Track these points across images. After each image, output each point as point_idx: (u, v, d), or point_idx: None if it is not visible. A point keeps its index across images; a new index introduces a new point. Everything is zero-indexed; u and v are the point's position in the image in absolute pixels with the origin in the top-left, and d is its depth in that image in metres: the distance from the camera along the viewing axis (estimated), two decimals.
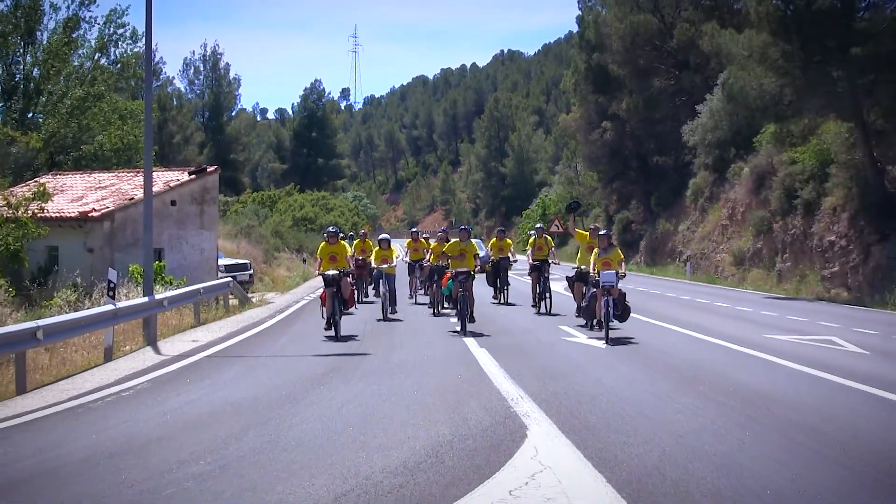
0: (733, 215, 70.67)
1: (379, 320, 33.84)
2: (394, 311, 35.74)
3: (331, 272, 29.64)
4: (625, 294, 28.58)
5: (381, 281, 35.98)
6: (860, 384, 19.79)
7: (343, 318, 30.48)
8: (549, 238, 39.64)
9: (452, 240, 35.11)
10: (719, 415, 16.32)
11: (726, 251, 70.12)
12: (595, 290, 28.70)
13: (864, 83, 49.43)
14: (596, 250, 28.67)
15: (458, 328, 29.76)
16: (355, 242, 45.48)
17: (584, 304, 30.69)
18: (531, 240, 39.55)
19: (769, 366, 22.32)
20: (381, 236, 38.78)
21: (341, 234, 34.76)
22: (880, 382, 19.82)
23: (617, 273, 27.57)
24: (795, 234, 60.54)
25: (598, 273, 27.80)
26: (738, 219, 68.99)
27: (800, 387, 19.73)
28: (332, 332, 28.75)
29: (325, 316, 29.90)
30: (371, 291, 44.56)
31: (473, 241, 38.34)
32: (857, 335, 29.96)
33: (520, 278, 52.21)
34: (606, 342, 26.32)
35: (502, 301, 40.79)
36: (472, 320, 30.32)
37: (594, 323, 29.51)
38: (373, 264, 38.23)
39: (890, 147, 51.69)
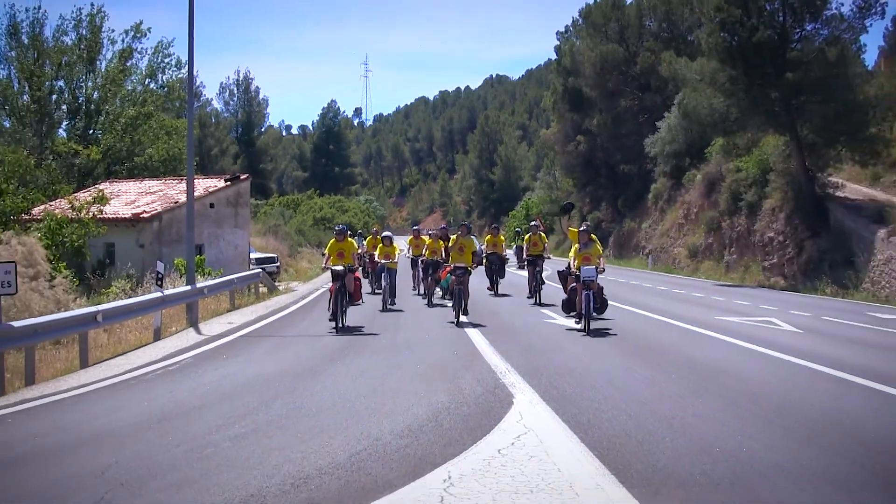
0: (688, 215, 70.87)
1: (380, 311, 31.57)
2: (393, 303, 33.48)
3: (338, 267, 27.31)
4: (602, 288, 26.32)
5: (382, 275, 33.66)
6: (795, 358, 19.81)
7: (351, 308, 28.33)
8: (543, 235, 37.81)
9: (452, 236, 33.40)
10: (676, 384, 16.38)
11: (682, 245, 70.27)
12: (575, 284, 25.97)
13: (797, 103, 50.04)
14: (576, 246, 26.19)
15: (453, 318, 27.62)
16: (367, 239, 43.18)
17: (564, 298, 27.78)
18: (527, 237, 38.33)
19: (718, 343, 22.35)
20: (383, 234, 36.72)
21: (352, 232, 33.59)
22: (811, 356, 19.85)
23: (596, 268, 25.18)
24: (740, 231, 60.95)
25: (580, 268, 25.32)
26: (692, 218, 69.14)
27: (744, 360, 19.76)
28: (335, 325, 26.36)
29: (331, 309, 27.59)
30: (372, 285, 41.42)
31: (472, 237, 35.80)
32: (793, 317, 29.99)
33: (513, 272, 51.88)
34: (587, 333, 24.00)
35: (496, 292, 38.36)
36: (466, 312, 28.78)
37: (575, 315, 26.36)
38: (376, 258, 36.08)
39: (819, 157, 52.06)
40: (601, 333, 24.26)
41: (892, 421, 13.43)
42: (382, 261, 34.05)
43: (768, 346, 21.83)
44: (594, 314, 25.40)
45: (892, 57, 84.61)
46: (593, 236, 27.05)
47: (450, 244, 31.78)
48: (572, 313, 26.76)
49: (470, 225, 36.08)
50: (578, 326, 25.31)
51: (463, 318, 27.44)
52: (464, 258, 29.65)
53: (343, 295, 27.40)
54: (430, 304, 34.48)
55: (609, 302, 29.27)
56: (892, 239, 43.34)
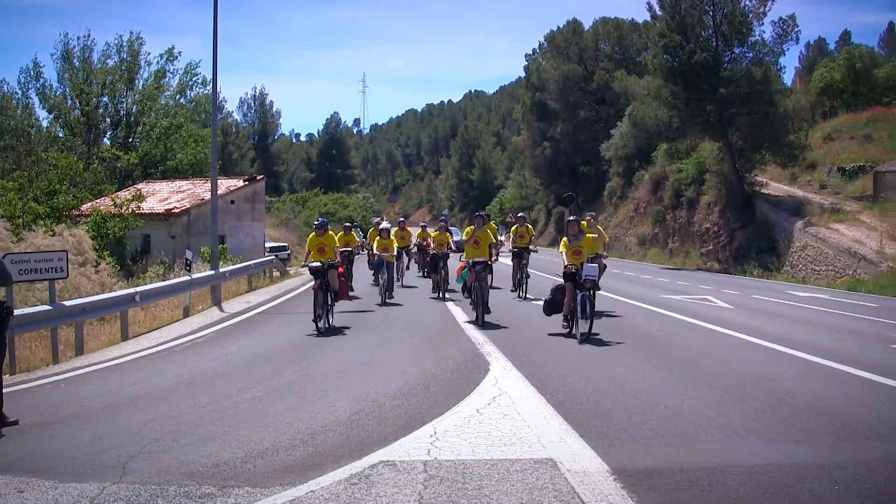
0: (637, 209, 71.04)
1: (378, 304, 26.87)
2: (391, 297, 28.14)
3: (315, 264, 21.71)
4: (596, 287, 18.99)
5: (381, 268, 28.74)
6: (728, 329, 19.88)
7: (349, 301, 25.09)
8: (530, 227, 31.56)
9: (467, 228, 27.81)
10: (628, 353, 16.41)
11: (633, 235, 70.47)
12: (564, 282, 19.12)
13: (728, 115, 50.67)
14: (564, 239, 19.24)
15: (474, 318, 21.89)
16: (370, 231, 35.43)
17: (547, 297, 20.30)
18: (514, 228, 31.11)
19: (663, 317, 22.36)
20: (381, 225, 30.80)
21: (354, 224, 31.23)
22: (741, 328, 19.94)
23: (598, 266, 19.02)
24: (681, 223, 61.25)
25: (581, 264, 18.38)
26: (640, 211, 69.32)
27: (685, 332, 19.80)
28: (322, 325, 20.69)
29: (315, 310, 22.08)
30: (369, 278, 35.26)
31: (451, 229, 34.57)
32: (726, 295, 30.05)
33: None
34: (583, 341, 17.71)
35: (521, 296, 29.22)
36: (488, 311, 22.00)
37: (563, 320, 19.48)
38: (374, 250, 29.55)
39: (747, 160, 52.61)
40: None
41: (808, 382, 13.46)
42: (381, 254, 28.71)
43: (705, 320, 21.91)
44: (586, 311, 17.82)
45: (806, 77, 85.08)
46: (584, 224, 20.67)
47: (464, 237, 26.29)
48: (556, 315, 19.65)
49: (487, 215, 28.00)
50: (566, 331, 19.09)
51: (487, 318, 21.78)
52: (481, 251, 23.15)
53: (325, 293, 21.87)
54: (442, 297, 28.70)
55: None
56: (808, 229, 43.61)
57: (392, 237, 29.83)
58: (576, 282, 18.27)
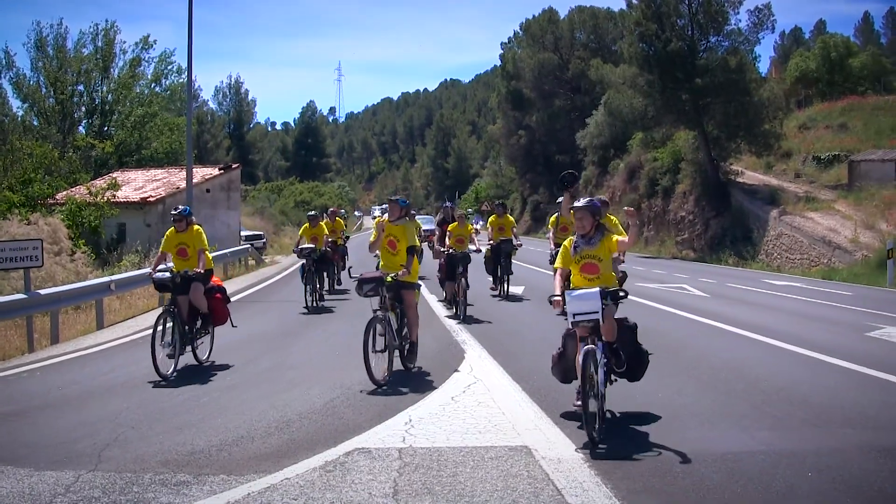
0: (613, 197, 70.90)
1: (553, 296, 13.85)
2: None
3: (162, 275, 14.93)
4: (633, 327, 10.73)
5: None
6: (702, 318, 20.01)
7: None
8: (509, 217, 25.72)
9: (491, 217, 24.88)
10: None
11: None
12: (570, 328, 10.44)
13: (703, 103, 50.94)
14: (568, 244, 10.50)
15: (453, 312, 20.68)
16: (324, 222, 27.32)
17: (554, 355, 10.97)
18: (491, 218, 25.39)
19: (638, 306, 22.31)
20: (382, 215, 19.69)
21: (332, 211, 29.34)
22: (716, 316, 20.05)
23: (603, 289, 9.88)
24: (657, 211, 61.47)
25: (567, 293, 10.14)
26: (616, 200, 69.22)
27: (660, 320, 19.82)
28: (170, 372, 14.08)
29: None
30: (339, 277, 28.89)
31: (418, 218, 29.51)
32: (701, 283, 30.18)
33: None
34: (594, 445, 9.18)
35: (502, 294, 24.68)
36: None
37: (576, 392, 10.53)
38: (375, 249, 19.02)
39: (722, 149, 52.88)
40: (539, 299, 21.24)
41: (783, 370, 13.54)
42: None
43: (681, 308, 22.05)
44: (610, 380, 10.33)
45: (781, 66, 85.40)
46: (610, 218, 15.10)
47: (489, 226, 24.51)
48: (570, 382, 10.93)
49: (503, 204, 26.55)
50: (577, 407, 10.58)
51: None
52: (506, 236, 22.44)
53: (180, 320, 15.27)
54: (462, 318, 20.10)
55: (543, 271, 24.95)
56: (783, 218, 43.83)
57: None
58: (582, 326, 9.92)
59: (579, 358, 9.69)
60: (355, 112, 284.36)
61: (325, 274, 25.70)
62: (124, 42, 74.50)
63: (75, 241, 33.17)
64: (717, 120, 51.62)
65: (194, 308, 14.81)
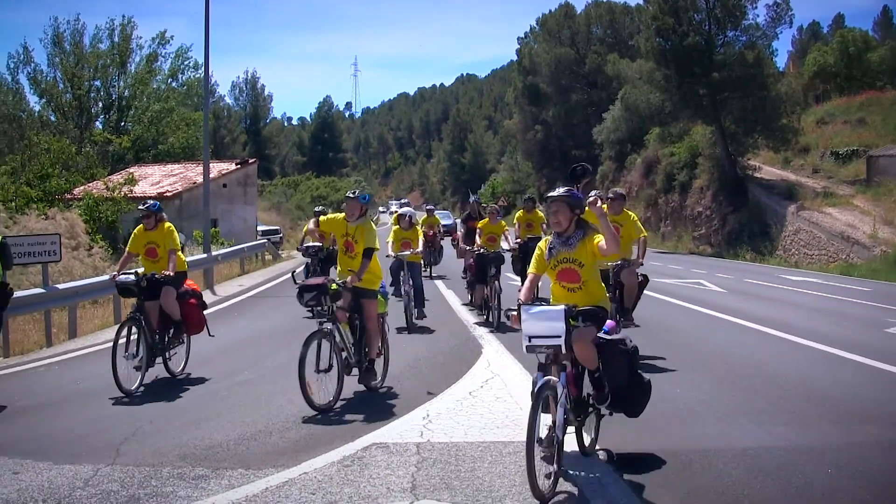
0: (630, 193, 70.70)
1: (401, 330, 17.70)
2: (422, 316, 18.76)
3: (125, 278, 13.48)
4: (629, 351, 8.43)
5: (401, 275, 18.97)
6: (720, 313, 19.94)
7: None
8: (539, 212, 21.65)
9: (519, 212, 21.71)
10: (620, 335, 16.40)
11: None
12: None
13: (721, 98, 50.81)
14: (543, 245, 8.67)
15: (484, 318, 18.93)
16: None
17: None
18: (518, 214, 22.21)
19: (655, 301, 22.29)
20: (401, 210, 21.23)
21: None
22: (734, 312, 19.94)
23: (569, 308, 7.91)
24: (674, 207, 61.31)
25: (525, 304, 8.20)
26: (633, 195, 69.04)
27: (677, 316, 19.85)
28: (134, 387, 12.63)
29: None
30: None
31: (437, 213, 29.95)
32: (718, 279, 30.09)
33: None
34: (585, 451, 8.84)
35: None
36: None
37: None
38: (389, 250, 18.90)
39: (739, 144, 52.68)
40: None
41: (801, 365, 13.50)
42: (401, 252, 18.91)
43: (698, 304, 21.95)
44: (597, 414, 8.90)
45: (799, 60, 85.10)
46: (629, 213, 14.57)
47: (516, 222, 21.51)
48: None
49: (534, 198, 23.16)
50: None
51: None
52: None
53: (147, 328, 14.12)
54: (494, 325, 17.99)
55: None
56: (800, 213, 43.69)
57: (416, 227, 20.60)
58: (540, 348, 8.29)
59: (556, 407, 7.69)
60: (371, 107, 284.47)
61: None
62: (141, 37, 74.65)
63: (92, 235, 33.34)
64: (734, 115, 51.46)
65: (166, 315, 13.36)
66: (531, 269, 8.70)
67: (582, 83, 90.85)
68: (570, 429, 8.12)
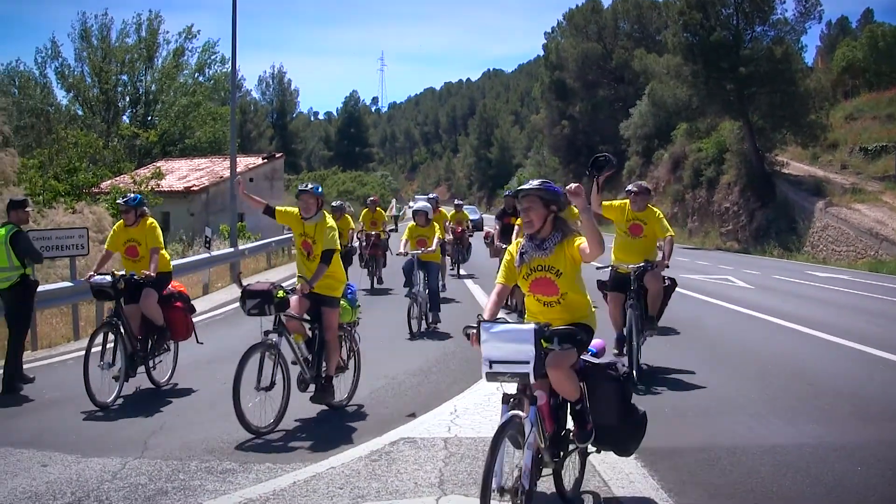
0: (657, 188, 70.54)
1: (410, 339, 16.25)
2: (436, 321, 17.46)
3: (100, 279, 12.44)
4: (621, 378, 7.29)
5: (413, 275, 17.24)
6: (747, 310, 19.86)
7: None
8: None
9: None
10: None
11: None
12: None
13: (748, 94, 50.61)
14: (513, 250, 7.41)
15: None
16: (363, 212, 26.35)
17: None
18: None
19: (683, 297, 22.13)
20: (416, 205, 19.25)
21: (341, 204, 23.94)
22: (762, 308, 19.89)
23: (541, 327, 6.52)
24: (701, 202, 61.14)
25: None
26: (660, 191, 68.92)
27: (704, 312, 19.79)
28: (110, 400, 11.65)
29: None
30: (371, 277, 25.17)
31: (466, 208, 28.01)
32: (745, 275, 29.99)
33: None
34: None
35: None
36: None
37: None
38: (402, 248, 17.66)
39: (767, 139, 52.50)
40: None
41: (830, 363, 13.46)
42: (416, 250, 17.52)
43: (726, 300, 21.88)
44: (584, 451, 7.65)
45: (827, 55, 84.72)
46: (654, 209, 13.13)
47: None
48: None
49: (434, 197, 23.25)
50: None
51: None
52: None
53: (125, 333, 14.86)
54: None
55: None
56: (828, 209, 43.49)
57: (433, 224, 18.64)
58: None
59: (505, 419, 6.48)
60: (398, 102, 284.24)
61: (348, 273, 20.61)
62: (167, 32, 75.64)
63: None
64: (762, 110, 51.24)
65: (149, 320, 12.30)
66: (498, 279, 7.47)
67: (609, 78, 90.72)
68: (548, 469, 7.00)
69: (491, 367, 6.45)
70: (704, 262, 36.85)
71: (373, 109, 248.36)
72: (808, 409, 10.42)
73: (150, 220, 12.68)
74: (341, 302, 11.00)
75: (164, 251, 12.82)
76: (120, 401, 11.37)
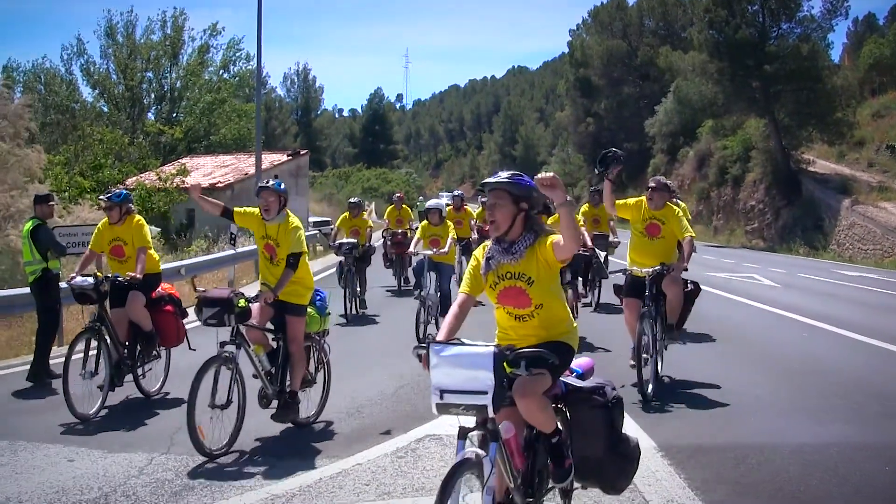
0: (682, 186, 70.44)
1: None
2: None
3: (81, 280, 11.52)
4: (608, 404, 6.24)
5: (424, 277, 16.08)
6: (773, 308, 19.79)
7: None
8: (578, 217, 15.98)
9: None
10: None
11: None
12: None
13: (774, 91, 50.67)
14: (479, 255, 6.27)
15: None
16: (388, 209, 25.99)
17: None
18: (584, 208, 19.94)
19: (708, 295, 22.02)
20: (428, 203, 18.01)
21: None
22: (788, 307, 19.79)
23: (501, 350, 5.39)
24: (726, 200, 61.09)
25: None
26: (685, 189, 68.78)
27: (730, 311, 19.74)
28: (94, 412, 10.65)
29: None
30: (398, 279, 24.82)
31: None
32: (771, 273, 29.90)
33: None
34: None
35: (594, 303, 19.90)
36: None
37: None
38: (413, 248, 16.82)
39: (793, 137, 52.49)
40: (607, 287, 17.90)
41: (857, 362, 13.36)
42: (424, 251, 16.29)
43: (752, 298, 21.82)
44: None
45: (854, 53, 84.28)
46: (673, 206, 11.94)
47: (581, 217, 17.81)
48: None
49: (601, 191, 16.12)
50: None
51: None
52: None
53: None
54: None
55: (616, 260, 20.76)
56: (855, 207, 43.36)
57: (447, 222, 17.29)
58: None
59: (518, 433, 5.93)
60: (422, 99, 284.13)
61: (366, 275, 20.81)
62: (192, 29, 75.48)
63: None
64: (788, 108, 51.24)
65: (136, 325, 11.46)
66: (462, 288, 6.33)
67: (634, 75, 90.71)
68: None
69: (442, 397, 5.35)
70: (730, 260, 36.76)
71: (397, 106, 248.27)
72: (836, 408, 10.39)
73: (137, 217, 11.77)
74: (308, 310, 10.08)
75: (152, 251, 11.94)
76: (104, 412, 10.63)
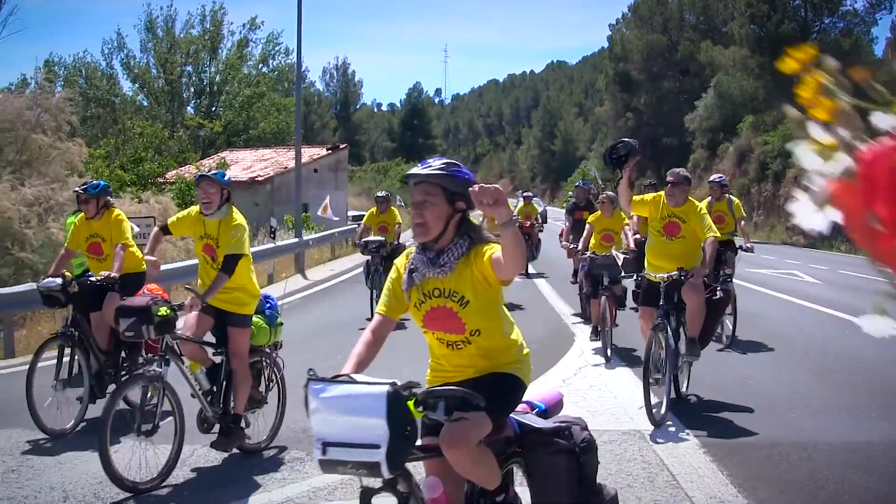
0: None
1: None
2: None
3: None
4: (575, 449, 4.83)
5: None
6: (815, 305, 19.72)
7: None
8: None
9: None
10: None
11: None
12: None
13: None
14: (401, 265, 5.02)
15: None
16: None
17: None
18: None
19: (749, 291, 22.05)
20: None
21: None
22: (829, 304, 19.67)
23: (396, 389, 4.15)
24: (767, 196, 60.64)
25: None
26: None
27: (771, 307, 19.65)
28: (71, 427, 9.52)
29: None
30: None
31: (535, 201, 26.40)
32: (813, 270, 29.79)
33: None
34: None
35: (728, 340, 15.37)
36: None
37: None
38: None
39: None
40: None
41: None
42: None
43: (793, 295, 21.75)
44: None
45: None
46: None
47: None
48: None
49: (655, 184, 20.47)
50: None
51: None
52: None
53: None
54: (607, 355, 12.94)
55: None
56: None
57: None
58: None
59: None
60: (461, 94, 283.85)
61: None
62: (232, 23, 76.15)
63: None
64: None
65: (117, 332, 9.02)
66: (378, 307, 5.17)
67: (674, 70, 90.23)
68: None
69: (325, 451, 4.01)
70: (770, 257, 36.55)
71: (436, 101, 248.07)
72: (879, 406, 10.31)
73: (116, 211, 10.53)
74: (256, 319, 8.78)
75: (133, 248, 10.60)
76: (83, 425, 9.54)
